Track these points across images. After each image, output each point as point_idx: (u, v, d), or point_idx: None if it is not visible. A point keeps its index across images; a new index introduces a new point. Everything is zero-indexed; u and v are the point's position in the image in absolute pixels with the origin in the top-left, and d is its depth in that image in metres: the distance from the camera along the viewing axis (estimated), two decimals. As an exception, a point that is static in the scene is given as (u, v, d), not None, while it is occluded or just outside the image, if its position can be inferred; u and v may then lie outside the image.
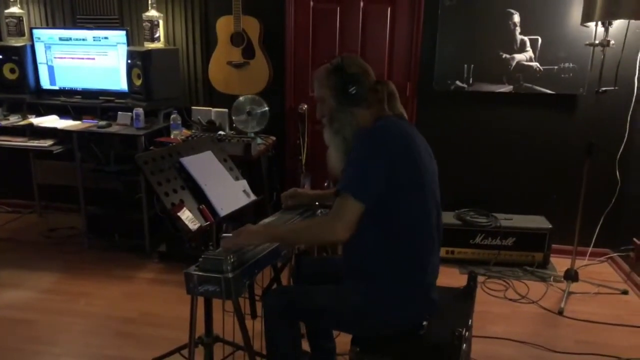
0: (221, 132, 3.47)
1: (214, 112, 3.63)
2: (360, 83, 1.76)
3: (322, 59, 3.70)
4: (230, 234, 1.84)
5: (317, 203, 2.25)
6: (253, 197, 2.24)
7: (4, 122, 3.61)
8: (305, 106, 3.49)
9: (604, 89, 2.95)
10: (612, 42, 2.91)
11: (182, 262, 3.39)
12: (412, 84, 3.67)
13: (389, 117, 1.79)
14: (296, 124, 3.62)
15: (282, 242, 1.90)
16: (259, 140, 3.45)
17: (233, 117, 3.52)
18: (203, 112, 3.66)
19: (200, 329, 2.11)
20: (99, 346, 2.61)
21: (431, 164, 1.79)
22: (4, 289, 3.15)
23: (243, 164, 3.15)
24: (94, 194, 3.73)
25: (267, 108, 3.49)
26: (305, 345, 2.29)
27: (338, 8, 3.67)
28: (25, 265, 3.44)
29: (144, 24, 3.70)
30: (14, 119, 3.66)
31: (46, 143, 3.53)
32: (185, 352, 2.17)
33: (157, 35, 3.71)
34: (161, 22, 3.72)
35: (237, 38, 3.60)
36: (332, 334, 2.25)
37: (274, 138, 3.69)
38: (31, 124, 3.57)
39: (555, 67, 3.38)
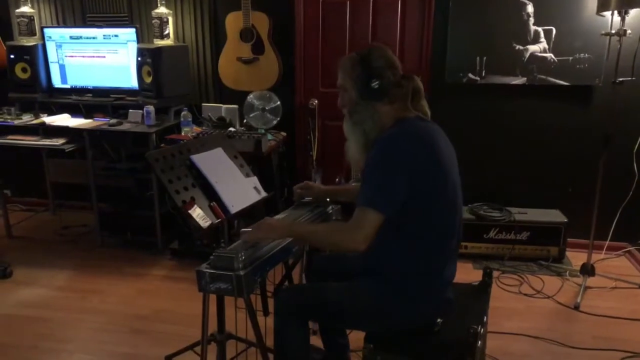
0: (231, 129, 3.46)
1: (224, 108, 3.63)
2: (384, 77, 1.71)
3: (332, 54, 3.71)
4: (250, 229, 1.82)
5: (327, 199, 2.24)
6: (264, 194, 2.23)
7: (16, 122, 3.63)
8: (316, 101, 3.47)
9: (620, 79, 2.89)
10: (628, 31, 2.84)
11: (194, 259, 3.40)
12: (424, 77, 3.62)
13: (409, 121, 1.73)
14: (306, 120, 3.60)
15: (301, 241, 1.89)
16: (269, 136, 3.44)
17: (245, 116, 3.51)
18: (213, 108, 3.66)
19: (213, 326, 2.11)
20: (112, 343, 2.63)
21: (453, 167, 1.74)
22: (19, 286, 3.18)
23: (254, 160, 3.14)
24: (106, 191, 3.75)
25: (279, 102, 3.48)
26: (319, 342, 2.29)
27: (348, 1, 3.63)
28: (39, 263, 3.47)
29: (153, 21, 3.70)
30: (26, 118, 3.68)
31: (58, 142, 3.54)
32: (198, 349, 2.17)
33: (166, 32, 3.70)
34: (170, 19, 3.72)
35: (247, 34, 3.58)
36: (345, 331, 2.23)
37: (284, 134, 3.67)
38: (43, 123, 3.59)
39: (571, 57, 3.32)
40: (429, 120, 1.79)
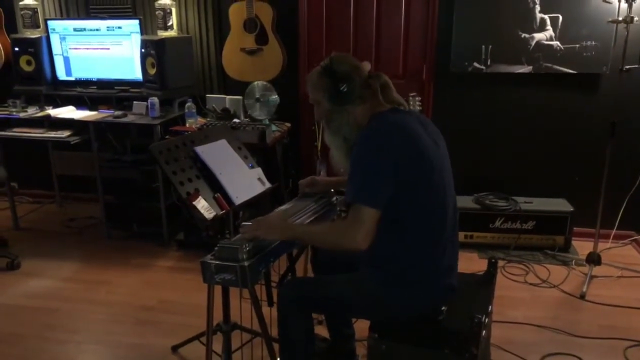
0: (236, 120, 3.46)
1: (228, 99, 3.62)
2: (350, 80, 1.73)
3: (336, 43, 3.69)
4: (250, 223, 1.83)
5: (332, 190, 2.24)
6: (268, 185, 2.24)
7: (22, 114, 3.65)
8: (320, 92, 3.45)
9: (627, 67, 2.86)
10: (635, 18, 2.81)
11: (200, 250, 3.41)
12: (429, 66, 3.61)
13: (383, 114, 1.74)
14: (311, 110, 3.58)
15: (300, 241, 1.89)
16: (273, 128, 3.43)
17: (245, 101, 3.50)
18: (217, 99, 3.65)
19: (218, 317, 2.12)
20: (119, 334, 2.65)
21: (437, 150, 1.74)
22: (27, 277, 3.21)
23: (258, 152, 3.14)
24: (112, 183, 3.77)
25: (276, 96, 3.46)
26: (325, 332, 2.30)
27: (352, -9, 3.61)
28: (46, 255, 3.49)
29: (156, 13, 3.69)
30: (31, 111, 3.70)
31: (64, 134, 3.56)
32: (203, 339, 2.19)
33: (170, 23, 3.69)
34: (174, 10, 3.70)
35: (250, 24, 3.56)
36: (351, 320, 2.25)
37: (288, 125, 3.67)
38: (49, 116, 3.60)
39: (577, 45, 3.28)
40: (405, 109, 1.80)
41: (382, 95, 1.77)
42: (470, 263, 3.24)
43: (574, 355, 2.41)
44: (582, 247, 3.40)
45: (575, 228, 3.42)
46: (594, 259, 3.09)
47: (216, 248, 1.77)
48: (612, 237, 3.50)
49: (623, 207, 3.44)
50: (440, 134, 1.83)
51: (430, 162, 1.68)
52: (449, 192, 1.77)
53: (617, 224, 3.47)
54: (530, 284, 3.08)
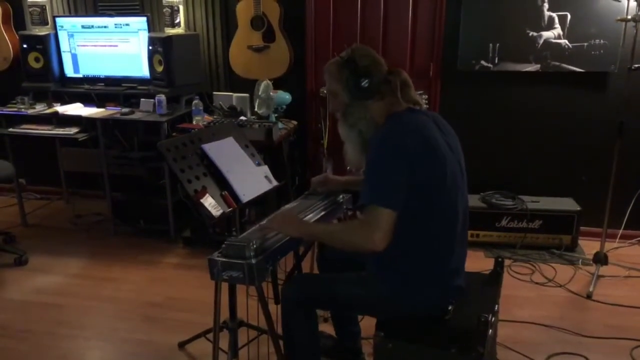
0: (242, 117, 3.46)
1: (235, 97, 3.63)
2: (372, 75, 1.72)
3: (343, 41, 3.67)
4: (268, 219, 1.84)
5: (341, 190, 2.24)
6: (275, 183, 2.24)
7: (30, 111, 3.67)
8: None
9: (636, 66, 2.84)
10: (645, 16, 2.79)
11: (206, 247, 3.42)
12: (436, 64, 3.60)
13: (399, 115, 1.73)
14: (317, 108, 3.59)
15: (316, 240, 1.88)
16: (280, 125, 3.44)
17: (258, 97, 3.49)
18: (224, 97, 3.66)
19: (225, 314, 2.13)
20: (126, 330, 2.66)
21: (451, 152, 1.73)
22: (35, 274, 3.23)
23: (265, 149, 3.15)
24: (119, 180, 3.79)
25: (275, 94, 3.44)
26: (331, 329, 2.31)
27: (359, -12, 3.60)
28: (54, 251, 3.51)
29: (164, 10, 3.70)
30: (40, 108, 3.72)
31: (71, 131, 3.57)
32: (210, 336, 2.20)
33: (177, 20, 3.70)
34: (181, 8, 3.71)
35: (258, 22, 3.57)
36: (356, 318, 2.25)
37: (295, 122, 3.67)
38: (56, 112, 3.62)
39: (585, 44, 3.26)
40: (421, 109, 1.78)
41: (400, 93, 1.75)
42: (477, 262, 3.23)
43: (580, 355, 2.40)
44: (589, 246, 3.39)
45: (582, 227, 3.41)
46: (600, 259, 3.08)
47: (223, 245, 1.78)
48: (619, 236, 3.49)
49: (630, 207, 3.42)
50: (454, 135, 1.82)
51: (444, 165, 1.67)
52: (461, 194, 1.77)
53: (624, 223, 3.45)
54: (537, 283, 3.07)
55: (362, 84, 1.71)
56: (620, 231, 3.48)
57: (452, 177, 1.70)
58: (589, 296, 2.90)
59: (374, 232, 1.58)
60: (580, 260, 3.29)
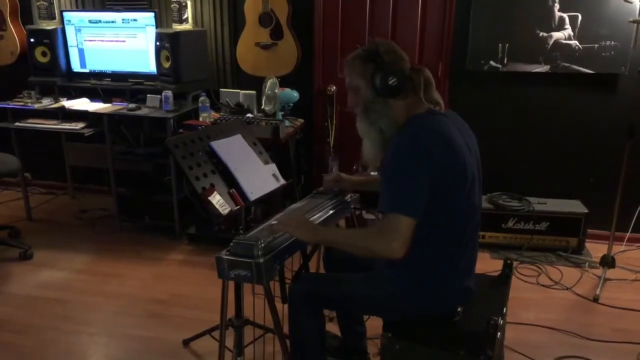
0: (249, 115, 3.45)
1: (242, 94, 3.61)
2: (399, 73, 1.66)
3: (351, 39, 3.66)
4: (278, 220, 1.82)
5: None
6: (282, 181, 2.23)
7: (37, 105, 3.66)
8: (334, 88, 3.43)
9: (647, 68, 2.82)
10: (657, 18, 2.77)
11: (211, 244, 3.43)
12: (445, 64, 3.58)
13: (420, 117, 1.69)
14: (324, 106, 3.57)
15: (331, 246, 1.86)
16: (287, 123, 3.42)
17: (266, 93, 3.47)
18: (231, 94, 3.65)
19: (231, 312, 2.12)
20: (131, 326, 2.66)
21: (471, 156, 1.70)
22: (39, 268, 3.23)
23: (271, 147, 3.13)
24: (125, 176, 3.78)
25: (282, 92, 3.42)
26: (336, 329, 2.29)
27: (368, -14, 3.58)
28: (58, 246, 3.51)
29: (172, 6, 3.68)
30: (46, 102, 3.71)
31: (77, 126, 3.57)
32: (215, 333, 2.19)
33: (185, 16, 3.69)
34: (189, 4, 3.69)
35: (265, 19, 3.55)
36: (362, 318, 2.24)
37: (302, 120, 3.65)
38: (63, 107, 3.61)
39: (596, 45, 3.23)
40: (442, 110, 1.74)
41: (423, 92, 1.71)
42: (483, 263, 3.20)
43: (586, 359, 2.39)
44: (596, 249, 3.37)
45: (589, 230, 3.39)
46: (608, 262, 3.06)
47: (231, 244, 1.77)
48: (626, 239, 3.46)
49: (638, 210, 3.39)
50: (472, 136, 1.79)
51: (464, 170, 1.64)
52: (477, 197, 1.74)
53: (632, 226, 3.43)
54: (543, 285, 3.05)
55: (390, 82, 1.65)
56: (628, 234, 3.45)
57: (472, 179, 1.68)
58: (595, 299, 2.88)
59: (394, 241, 1.55)
60: (587, 263, 3.27)
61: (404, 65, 1.70)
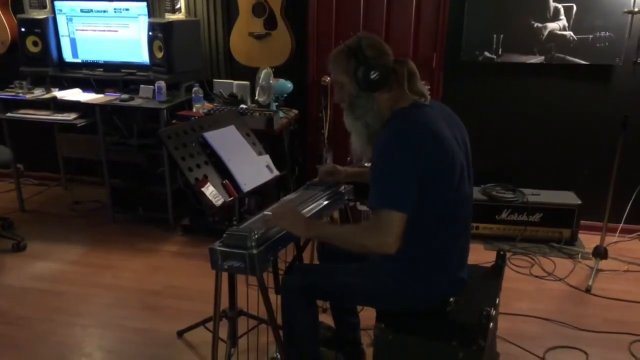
0: (243, 106, 3.43)
1: (236, 84, 3.59)
2: (381, 67, 1.67)
3: (345, 29, 3.64)
4: (271, 212, 1.82)
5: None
6: (276, 172, 2.22)
7: (28, 96, 3.63)
8: (329, 79, 3.41)
9: (641, 59, 2.82)
10: (652, 9, 2.76)
11: (205, 236, 3.42)
12: (439, 54, 3.56)
13: (405, 111, 1.69)
14: (319, 97, 3.55)
15: (325, 241, 1.86)
16: (281, 114, 3.41)
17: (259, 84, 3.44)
18: (224, 84, 3.62)
19: (225, 303, 2.12)
20: (125, 318, 2.66)
21: (459, 147, 1.70)
22: (33, 260, 3.22)
23: (265, 138, 3.11)
24: (118, 167, 3.76)
25: (276, 83, 3.40)
26: (330, 320, 2.30)
27: (362, -24, 3.55)
28: (52, 238, 3.50)
29: (164, -5, 3.65)
30: (38, 93, 3.67)
31: (70, 116, 3.54)
32: (209, 325, 2.19)
33: (178, 6, 3.65)
34: (182, -7, 3.66)
35: (259, 8, 3.52)
36: (356, 309, 2.24)
37: (296, 111, 3.64)
38: (55, 98, 3.58)
39: (591, 36, 3.23)
40: (426, 102, 1.74)
41: (407, 84, 1.71)
42: (476, 254, 3.21)
43: (579, 349, 2.41)
44: (589, 240, 3.39)
45: (582, 221, 3.40)
46: (600, 253, 3.07)
47: (224, 235, 1.76)
48: (619, 231, 3.48)
49: (631, 201, 3.41)
50: (462, 126, 1.79)
51: (453, 161, 1.64)
52: (468, 188, 1.75)
53: (624, 217, 3.45)
54: (536, 276, 3.07)
55: (372, 77, 1.66)
56: (621, 225, 3.47)
57: (460, 171, 1.68)
58: (588, 290, 2.90)
59: (387, 237, 1.57)
60: (579, 254, 3.29)
61: (386, 59, 1.70)
